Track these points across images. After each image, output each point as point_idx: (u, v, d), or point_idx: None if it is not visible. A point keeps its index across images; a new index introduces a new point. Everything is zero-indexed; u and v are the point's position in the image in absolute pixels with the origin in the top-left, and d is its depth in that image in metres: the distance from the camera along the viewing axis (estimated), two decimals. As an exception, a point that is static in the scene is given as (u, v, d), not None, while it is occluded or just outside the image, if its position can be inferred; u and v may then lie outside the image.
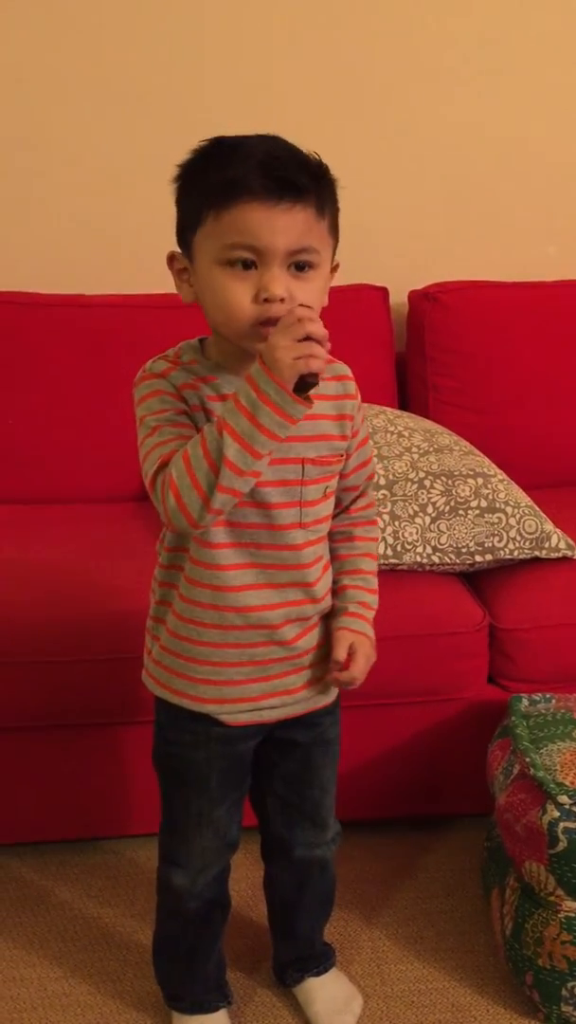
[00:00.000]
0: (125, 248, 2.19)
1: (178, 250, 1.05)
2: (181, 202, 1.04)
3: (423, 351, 2.11)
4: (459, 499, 1.66)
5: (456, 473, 1.70)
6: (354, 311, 2.10)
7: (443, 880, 1.62)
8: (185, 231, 1.03)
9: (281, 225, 0.96)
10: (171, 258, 1.07)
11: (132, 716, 1.56)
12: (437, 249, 2.23)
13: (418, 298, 2.15)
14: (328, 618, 1.19)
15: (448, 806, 1.71)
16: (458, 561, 1.66)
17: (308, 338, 0.93)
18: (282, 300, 0.97)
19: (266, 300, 0.97)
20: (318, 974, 1.38)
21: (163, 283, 2.06)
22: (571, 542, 1.69)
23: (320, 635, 1.18)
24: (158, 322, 2.04)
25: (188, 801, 1.21)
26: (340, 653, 1.14)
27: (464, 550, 1.65)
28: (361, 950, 1.48)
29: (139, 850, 1.69)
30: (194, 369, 1.06)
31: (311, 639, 1.16)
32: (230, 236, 0.97)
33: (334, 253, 1.07)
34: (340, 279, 2.13)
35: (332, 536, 1.20)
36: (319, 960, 1.39)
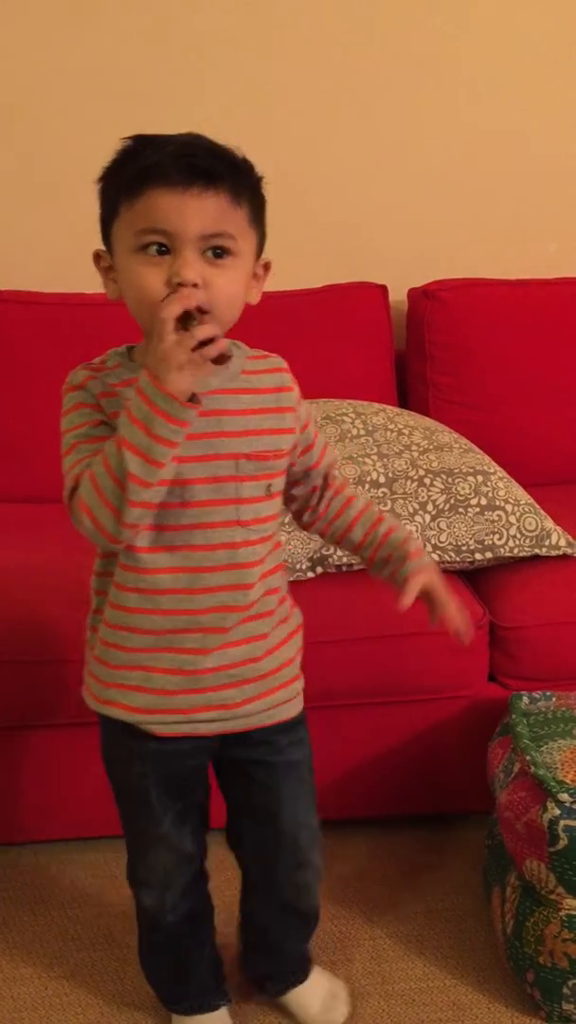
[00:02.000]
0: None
1: (102, 248, 1.05)
2: (102, 198, 1.03)
3: (423, 349, 2.11)
4: (459, 497, 1.66)
5: (456, 471, 1.70)
6: (353, 309, 2.10)
7: (444, 878, 1.62)
8: (106, 226, 1.02)
9: (192, 209, 0.95)
10: (96, 257, 1.06)
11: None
12: (436, 246, 2.23)
13: (417, 296, 2.14)
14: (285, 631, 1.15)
15: (449, 804, 1.71)
16: (458, 559, 1.66)
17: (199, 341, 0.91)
18: (195, 286, 0.94)
19: (179, 285, 0.95)
20: (300, 982, 1.35)
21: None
22: (571, 540, 1.69)
23: (262, 649, 1.12)
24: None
25: (134, 818, 1.19)
26: (409, 598, 1.11)
27: (464, 548, 1.65)
28: (361, 948, 1.47)
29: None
30: (117, 373, 1.04)
31: (251, 650, 1.10)
32: (141, 222, 0.96)
33: (260, 249, 1.05)
34: (340, 276, 2.16)
35: (324, 528, 1.20)
36: (299, 969, 1.36)
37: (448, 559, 1.65)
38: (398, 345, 2.20)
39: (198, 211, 0.95)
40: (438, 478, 1.68)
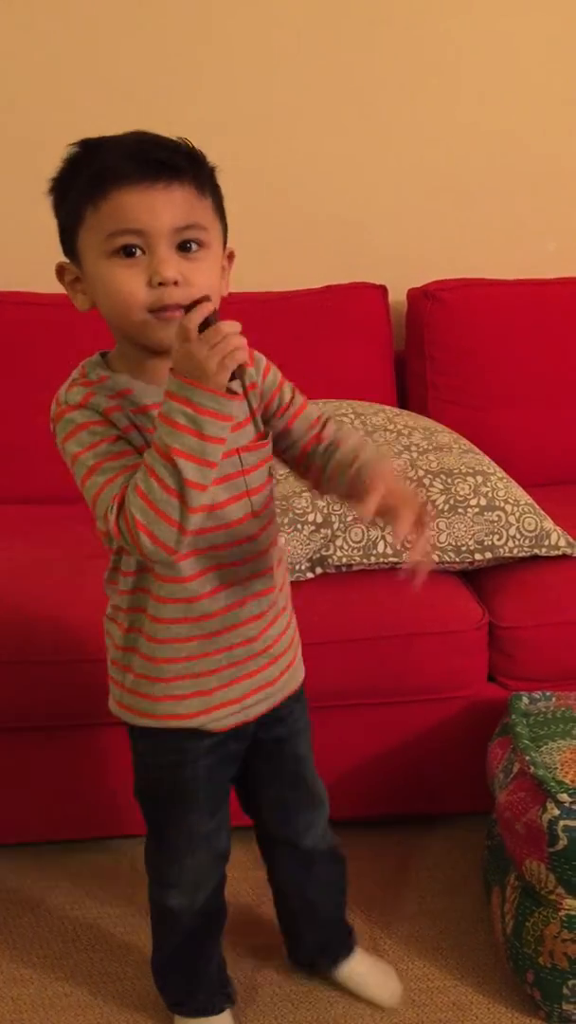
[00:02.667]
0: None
1: (65, 260, 1.02)
2: (58, 210, 1.00)
3: (422, 349, 2.11)
4: (458, 497, 1.66)
5: (455, 471, 1.70)
6: (353, 309, 2.10)
7: (444, 879, 1.62)
8: (67, 236, 1.00)
9: (161, 204, 0.94)
10: (60, 270, 1.03)
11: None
12: (436, 247, 2.23)
13: (417, 296, 2.14)
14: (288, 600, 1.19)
15: (449, 805, 1.71)
16: (458, 559, 1.66)
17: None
18: (176, 283, 0.94)
19: (160, 284, 0.94)
20: (347, 956, 1.39)
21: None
22: (571, 540, 1.68)
23: (285, 622, 1.18)
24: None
25: (178, 821, 1.20)
26: (370, 506, 1.00)
27: (464, 548, 1.65)
28: (361, 949, 1.47)
29: (139, 849, 1.68)
30: (107, 385, 1.01)
31: (279, 625, 1.16)
32: (111, 224, 0.94)
33: (225, 239, 1.03)
34: (339, 277, 2.16)
35: (317, 463, 1.14)
36: (346, 940, 1.40)
37: (448, 559, 1.65)
38: (397, 345, 2.20)
39: (167, 205, 0.94)
40: (437, 479, 1.68)
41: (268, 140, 2.06)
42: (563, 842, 1.25)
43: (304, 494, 1.63)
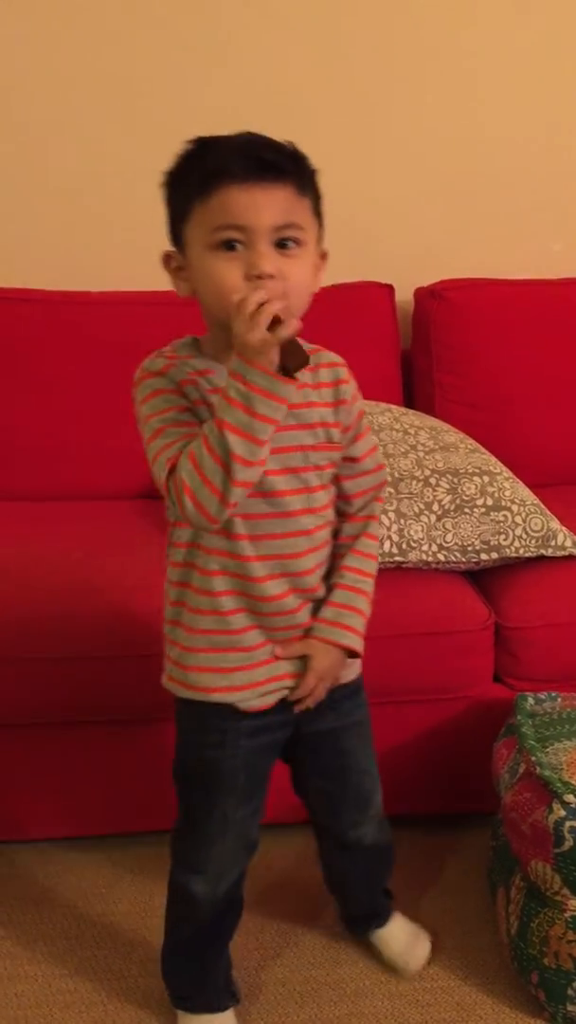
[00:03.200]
0: (126, 244, 2.18)
1: (172, 249, 1.08)
2: (170, 201, 1.07)
3: (429, 348, 2.10)
4: (465, 497, 1.66)
5: (462, 471, 1.70)
6: (360, 308, 2.09)
7: (448, 879, 1.62)
8: (176, 227, 1.06)
9: (263, 203, 0.99)
10: (166, 257, 1.09)
11: (137, 713, 1.57)
12: (443, 246, 2.23)
13: (424, 295, 2.14)
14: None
15: (453, 805, 1.71)
16: (464, 559, 1.65)
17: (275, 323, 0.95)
18: (271, 277, 0.99)
19: (257, 277, 0.99)
20: (380, 926, 1.44)
21: (164, 280, 2.09)
22: (577, 540, 1.69)
23: None
24: (159, 318, 2.03)
25: (213, 804, 1.21)
26: (293, 651, 1.16)
27: (470, 548, 1.64)
28: (365, 948, 1.47)
29: (143, 848, 1.69)
30: (191, 363, 1.08)
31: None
32: (216, 219, 1.00)
33: (320, 238, 1.08)
34: (346, 276, 2.17)
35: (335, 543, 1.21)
36: (377, 916, 1.44)
37: (454, 559, 1.65)
38: (404, 345, 2.19)
39: (269, 204, 1.00)
40: (444, 478, 1.68)
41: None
42: (569, 843, 1.24)
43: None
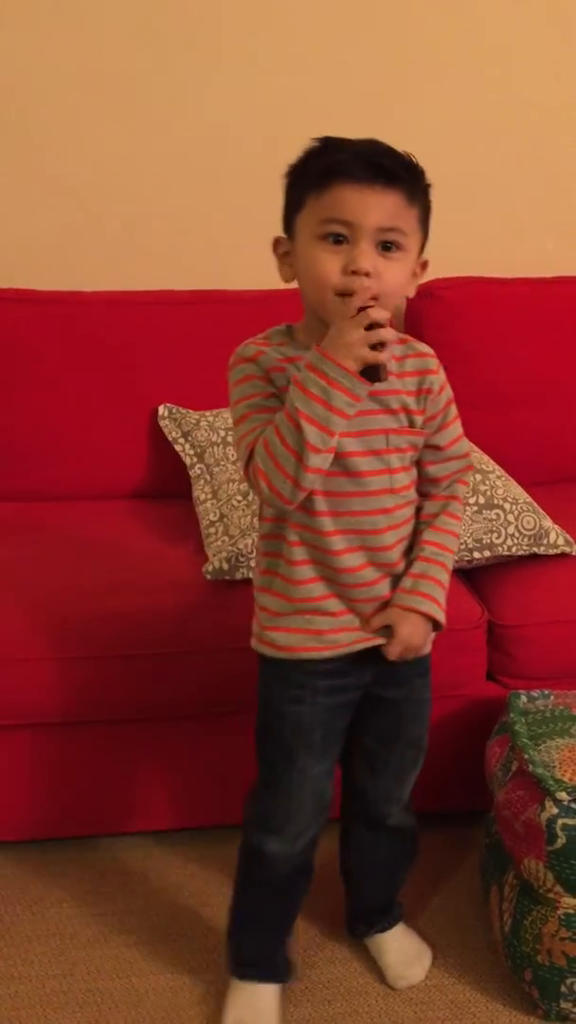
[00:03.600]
0: (122, 245, 2.19)
1: (282, 235, 1.15)
2: (288, 191, 1.13)
3: (422, 347, 2.10)
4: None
5: (454, 469, 1.69)
6: (352, 307, 2.09)
7: (442, 877, 1.62)
8: (289, 215, 1.12)
9: (372, 203, 1.05)
10: (276, 242, 1.16)
11: (131, 714, 1.57)
12: (435, 245, 2.18)
13: (417, 294, 2.13)
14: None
15: (447, 803, 1.70)
16: (456, 558, 1.65)
17: (373, 326, 1.02)
18: (367, 274, 1.04)
19: (353, 272, 1.05)
20: (383, 930, 1.44)
21: (160, 280, 2.09)
22: (569, 538, 1.68)
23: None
24: (155, 319, 2.04)
25: (291, 759, 1.25)
26: (375, 623, 1.21)
27: (463, 547, 1.64)
28: (359, 947, 1.47)
29: (137, 848, 1.69)
30: (282, 350, 1.14)
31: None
32: (326, 212, 1.06)
33: (422, 248, 1.14)
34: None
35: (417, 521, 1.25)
36: (385, 917, 1.45)
37: (446, 557, 1.65)
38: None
39: (377, 206, 1.05)
40: (437, 477, 1.68)
41: (265, 137, 2.06)
42: (561, 840, 1.25)
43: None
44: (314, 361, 1.04)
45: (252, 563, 1.51)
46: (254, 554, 1.40)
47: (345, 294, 1.05)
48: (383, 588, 1.20)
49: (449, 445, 1.24)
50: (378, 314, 1.02)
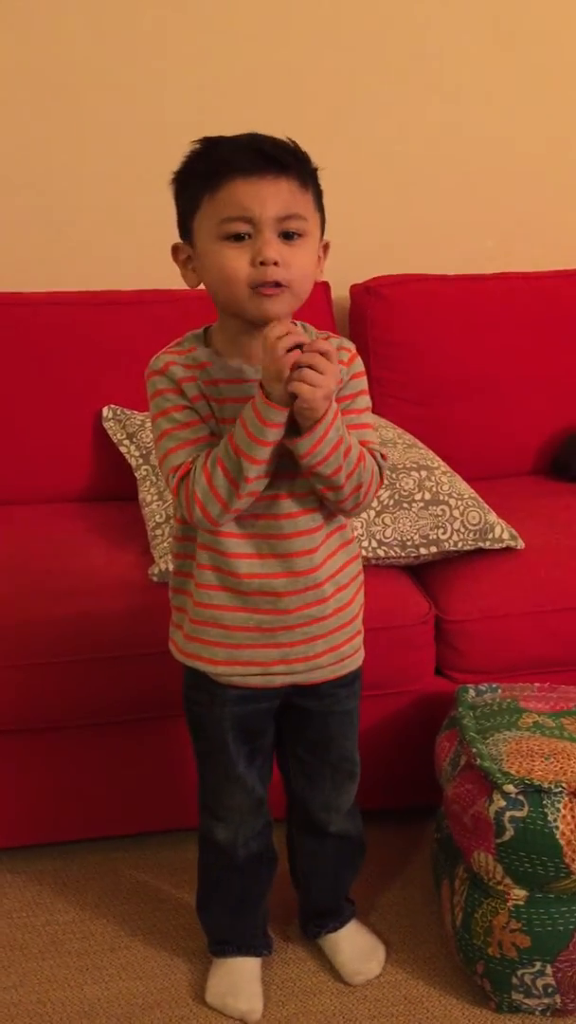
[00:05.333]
0: (64, 245, 2.16)
1: (180, 241, 1.14)
2: (180, 196, 1.12)
3: (365, 345, 2.10)
4: (403, 492, 1.66)
5: (400, 466, 1.70)
6: (295, 305, 2.09)
7: (394, 873, 1.63)
8: (186, 220, 1.11)
9: (268, 194, 1.04)
10: (175, 249, 1.15)
11: (79, 719, 1.55)
12: (377, 243, 2.23)
13: (359, 292, 2.15)
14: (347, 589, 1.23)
15: (398, 799, 1.71)
16: (403, 554, 1.66)
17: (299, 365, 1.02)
18: (275, 264, 1.04)
19: (261, 264, 1.05)
20: (334, 930, 1.45)
21: (107, 281, 2.07)
22: (514, 533, 1.70)
23: (330, 608, 1.20)
24: (97, 319, 2.02)
25: (213, 759, 1.28)
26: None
27: (409, 543, 1.65)
28: (312, 944, 1.47)
29: (89, 855, 1.67)
30: (193, 356, 1.13)
31: (322, 609, 1.19)
32: (224, 211, 1.05)
33: (323, 230, 1.14)
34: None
35: None
36: (337, 916, 1.45)
37: (393, 554, 1.65)
38: (341, 342, 2.20)
39: (273, 195, 1.05)
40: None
41: (205, 133, 2.06)
42: (510, 833, 1.25)
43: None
44: (258, 404, 1.05)
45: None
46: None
47: (258, 285, 1.05)
48: (291, 602, 1.17)
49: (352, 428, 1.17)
50: (294, 340, 1.02)
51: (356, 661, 1.27)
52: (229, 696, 1.22)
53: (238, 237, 1.05)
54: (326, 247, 1.16)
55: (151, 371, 1.14)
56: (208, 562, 1.16)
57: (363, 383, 1.20)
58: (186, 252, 1.13)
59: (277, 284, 1.05)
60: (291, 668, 1.21)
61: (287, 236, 1.07)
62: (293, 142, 1.09)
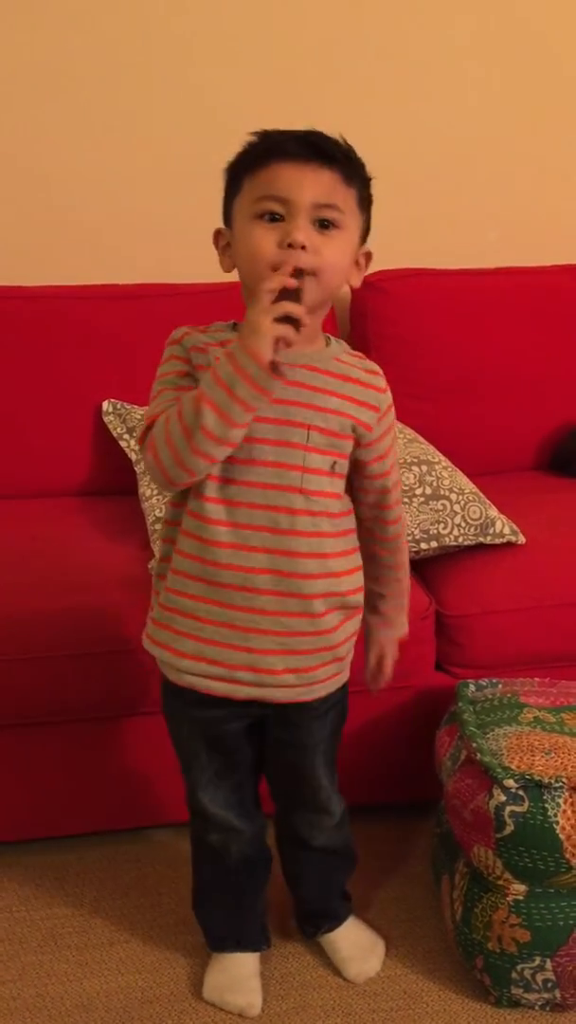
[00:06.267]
0: (64, 239, 2.16)
1: (222, 227, 1.13)
2: (227, 186, 1.11)
3: (367, 339, 2.10)
4: (403, 487, 1.66)
5: (400, 461, 1.70)
6: (296, 300, 2.08)
7: (394, 868, 1.62)
8: (228, 204, 1.11)
9: (308, 180, 1.03)
10: (216, 234, 1.14)
11: (79, 713, 1.55)
12: (379, 237, 2.19)
13: (361, 287, 2.13)
14: (344, 614, 1.19)
15: (398, 794, 1.71)
16: (403, 549, 1.65)
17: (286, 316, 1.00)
18: (303, 248, 1.02)
19: (289, 245, 1.02)
20: (330, 930, 1.44)
21: (106, 274, 2.06)
22: (515, 527, 1.70)
23: (320, 627, 1.15)
24: (98, 313, 2.02)
25: (190, 765, 1.27)
26: (371, 661, 1.31)
27: (410, 538, 1.64)
28: (312, 941, 1.47)
29: (86, 849, 1.67)
30: (214, 335, 1.12)
31: (306, 624, 1.14)
32: (261, 190, 1.05)
33: (365, 236, 1.12)
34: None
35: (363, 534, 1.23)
36: (332, 917, 1.44)
37: (394, 549, 1.65)
38: (342, 336, 2.19)
39: (313, 182, 1.03)
40: (382, 468, 1.68)
41: (205, 131, 2.05)
42: (510, 828, 1.25)
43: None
44: (232, 348, 1.01)
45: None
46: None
47: (278, 268, 1.02)
48: (268, 604, 1.11)
49: (376, 469, 1.18)
50: (292, 308, 0.99)
51: (334, 684, 1.21)
52: (193, 716, 1.21)
53: (273, 218, 1.04)
54: (368, 256, 1.14)
55: (170, 340, 1.14)
56: (187, 549, 1.12)
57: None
58: (226, 238, 1.12)
59: (300, 273, 1.01)
60: (259, 679, 1.14)
61: (323, 225, 1.05)
62: (347, 142, 1.08)
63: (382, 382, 1.18)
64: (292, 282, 1.00)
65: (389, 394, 1.18)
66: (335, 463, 1.13)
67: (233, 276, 1.13)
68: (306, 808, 1.33)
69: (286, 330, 0.99)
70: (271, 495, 1.10)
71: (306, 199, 1.03)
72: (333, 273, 1.06)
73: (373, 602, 1.28)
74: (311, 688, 1.19)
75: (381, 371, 1.19)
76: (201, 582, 1.12)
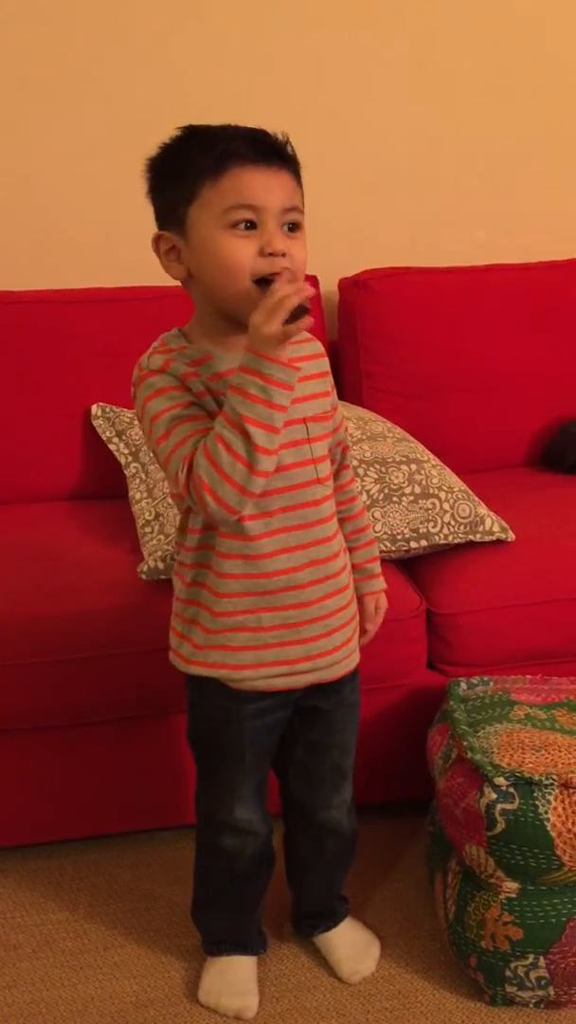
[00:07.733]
0: (51, 243, 2.15)
1: (163, 232, 1.10)
2: (166, 187, 1.09)
3: (355, 338, 2.10)
4: (393, 486, 1.66)
5: (389, 460, 1.70)
6: (284, 300, 2.08)
7: (388, 867, 1.62)
8: (174, 209, 1.08)
9: (273, 184, 1.05)
10: (157, 239, 1.11)
11: (69, 719, 1.54)
12: (367, 236, 2.23)
13: (348, 285, 2.14)
14: (351, 580, 1.25)
15: (392, 793, 1.71)
16: (394, 548, 1.65)
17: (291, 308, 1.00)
18: (284, 255, 1.04)
19: (271, 254, 1.04)
20: (327, 929, 1.44)
21: (91, 278, 2.06)
22: (505, 525, 1.69)
23: (348, 597, 1.22)
24: (85, 317, 2.02)
25: (227, 776, 1.26)
26: (367, 620, 1.32)
27: (399, 537, 1.64)
28: (307, 942, 1.46)
29: (81, 854, 1.67)
30: (186, 354, 1.10)
31: (339, 600, 1.20)
32: (230, 199, 1.03)
33: None
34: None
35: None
36: (330, 916, 1.45)
37: (384, 548, 1.64)
38: (331, 335, 2.19)
39: (279, 186, 1.05)
40: (372, 467, 1.68)
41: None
42: (501, 825, 1.25)
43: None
44: (248, 362, 1.01)
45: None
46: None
47: (263, 279, 1.03)
48: (313, 593, 1.16)
49: (337, 428, 1.25)
50: (293, 300, 0.99)
51: (359, 654, 1.28)
52: (247, 712, 1.21)
53: (249, 226, 1.04)
54: None
55: (147, 371, 1.09)
56: (231, 570, 1.13)
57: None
58: (170, 242, 1.10)
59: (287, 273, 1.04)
60: (315, 664, 1.19)
61: (290, 228, 1.07)
62: (287, 136, 1.08)
63: (320, 346, 1.21)
64: (311, 291, 1.01)
65: (319, 343, 1.21)
66: (329, 443, 1.20)
67: (176, 281, 1.12)
68: (331, 781, 1.33)
69: (296, 329, 1.00)
70: (297, 495, 1.14)
71: (276, 205, 1.04)
72: (303, 272, 1.09)
73: (356, 562, 1.31)
74: (353, 656, 1.25)
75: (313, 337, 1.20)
76: (253, 595, 1.14)
